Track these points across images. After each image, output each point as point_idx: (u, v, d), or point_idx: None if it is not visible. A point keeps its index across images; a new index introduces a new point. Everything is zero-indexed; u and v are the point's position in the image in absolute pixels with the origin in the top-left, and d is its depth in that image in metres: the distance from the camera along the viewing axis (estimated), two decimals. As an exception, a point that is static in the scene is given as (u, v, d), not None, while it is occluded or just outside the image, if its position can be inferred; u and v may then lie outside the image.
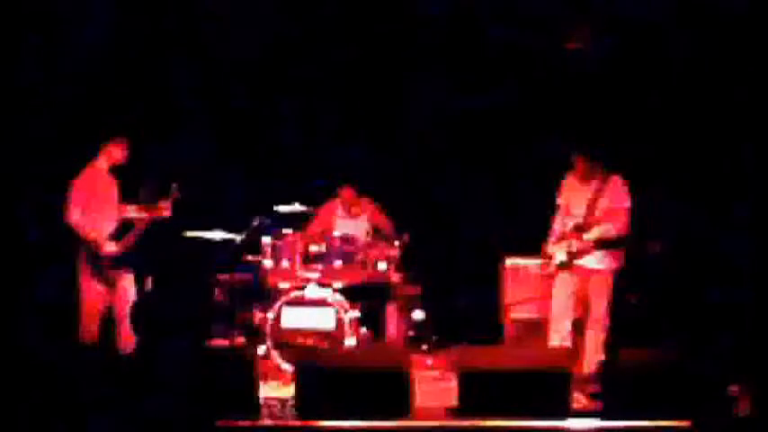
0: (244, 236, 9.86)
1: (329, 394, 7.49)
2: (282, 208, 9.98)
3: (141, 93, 10.50)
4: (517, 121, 10.75)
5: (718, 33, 9.90)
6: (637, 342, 8.79)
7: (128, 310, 9.00)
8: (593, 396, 8.00)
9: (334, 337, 9.40)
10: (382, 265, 9.75)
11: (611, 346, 8.50)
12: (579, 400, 7.92)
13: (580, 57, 10.50)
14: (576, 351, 8.47)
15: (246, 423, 7.38)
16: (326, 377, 7.54)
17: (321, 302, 9.54)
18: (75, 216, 8.95)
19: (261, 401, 7.88)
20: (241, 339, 9.63)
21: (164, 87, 10.69)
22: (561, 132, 10.02)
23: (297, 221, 10.08)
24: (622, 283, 8.82)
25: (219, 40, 10.69)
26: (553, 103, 10.58)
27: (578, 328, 8.72)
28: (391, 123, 11.11)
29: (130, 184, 9.26)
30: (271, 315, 9.51)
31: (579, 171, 8.84)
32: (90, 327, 8.96)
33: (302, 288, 9.61)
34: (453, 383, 7.67)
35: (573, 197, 8.88)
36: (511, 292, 9.81)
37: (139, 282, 9.19)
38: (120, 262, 9.02)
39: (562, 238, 8.83)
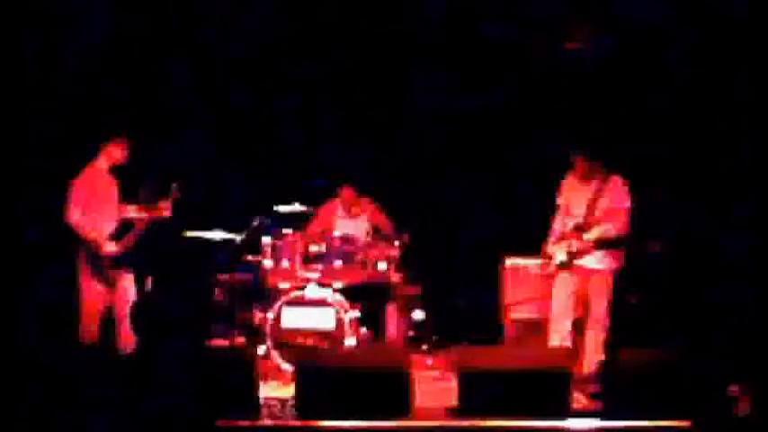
0: (244, 236, 9.84)
1: (329, 394, 7.49)
2: (282, 208, 9.97)
3: (141, 93, 10.50)
4: (517, 120, 10.75)
5: (718, 33, 9.90)
6: (637, 342, 8.79)
7: (128, 310, 8.99)
8: (593, 396, 8.00)
9: (334, 337, 9.40)
10: (382, 265, 9.74)
11: (611, 346, 8.49)
12: (579, 400, 7.93)
13: (580, 56, 10.51)
14: (576, 351, 8.46)
15: (246, 423, 7.39)
16: (326, 377, 7.54)
17: (321, 302, 9.53)
18: (75, 216, 8.94)
19: (261, 401, 7.88)
20: (241, 339, 9.62)
21: (164, 87, 10.68)
22: (561, 132, 10.02)
23: (297, 221, 10.07)
24: (622, 283, 8.81)
25: (219, 40, 10.70)
26: (553, 103, 10.58)
27: (578, 328, 8.71)
28: (391, 123, 11.11)
29: (130, 184, 9.25)
30: (271, 315, 9.51)
31: (579, 171, 8.83)
32: (90, 327, 8.95)
33: (302, 288, 9.60)
34: (453, 383, 7.67)
35: (573, 197, 8.87)
36: (511, 292, 9.81)
37: (139, 282, 9.18)
38: (120, 262, 9.02)
39: (562, 238, 8.82)
